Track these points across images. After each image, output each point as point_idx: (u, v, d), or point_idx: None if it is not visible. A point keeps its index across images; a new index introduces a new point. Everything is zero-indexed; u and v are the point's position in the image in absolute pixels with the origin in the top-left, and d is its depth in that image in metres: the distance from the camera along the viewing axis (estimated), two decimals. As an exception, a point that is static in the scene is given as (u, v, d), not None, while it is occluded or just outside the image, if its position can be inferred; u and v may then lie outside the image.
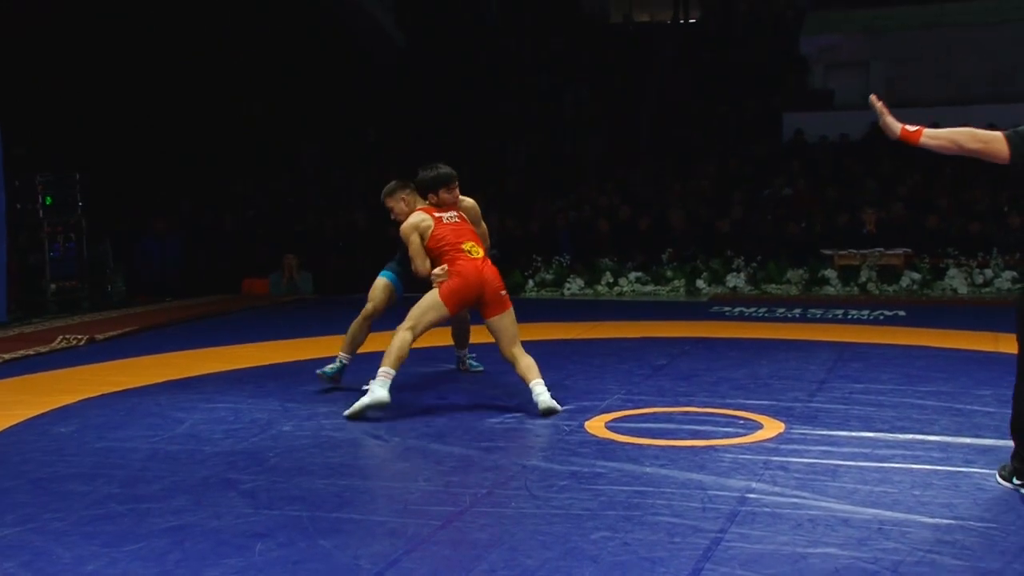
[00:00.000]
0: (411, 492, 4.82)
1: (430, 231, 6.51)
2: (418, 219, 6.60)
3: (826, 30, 19.12)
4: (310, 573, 3.85)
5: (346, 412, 6.30)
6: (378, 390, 6.19)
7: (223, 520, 4.43)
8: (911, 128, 4.73)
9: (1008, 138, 4.63)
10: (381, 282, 7.19)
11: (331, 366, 7.19)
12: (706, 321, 10.48)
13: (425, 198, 6.76)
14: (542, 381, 6.34)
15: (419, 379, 7.40)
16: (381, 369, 6.25)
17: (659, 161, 17.12)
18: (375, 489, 4.84)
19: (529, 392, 6.32)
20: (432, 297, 6.43)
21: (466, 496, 4.70)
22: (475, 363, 7.67)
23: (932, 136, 4.73)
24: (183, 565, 3.94)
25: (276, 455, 5.50)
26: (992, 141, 4.66)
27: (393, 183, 6.98)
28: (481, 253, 6.55)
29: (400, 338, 6.32)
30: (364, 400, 6.23)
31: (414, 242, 6.54)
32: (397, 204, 6.89)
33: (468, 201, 6.92)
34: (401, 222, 6.74)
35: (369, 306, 7.13)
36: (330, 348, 7.92)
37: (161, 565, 3.94)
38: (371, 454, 5.51)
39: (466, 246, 6.49)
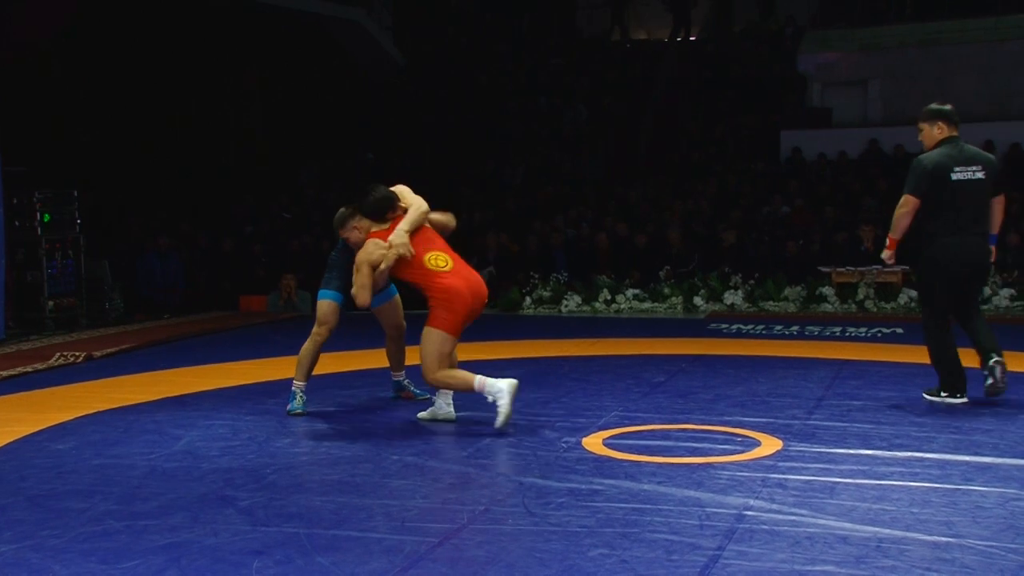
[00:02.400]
0: (408, 509, 4.81)
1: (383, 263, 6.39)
2: (370, 250, 6.43)
3: (824, 48, 19.15)
4: (307, 590, 3.85)
5: (420, 415, 6.80)
6: (444, 408, 6.72)
7: (220, 537, 4.42)
8: (888, 244, 6.91)
9: (909, 193, 6.54)
10: (331, 305, 6.91)
11: (296, 403, 6.97)
12: (704, 338, 10.48)
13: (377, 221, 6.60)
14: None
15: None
16: (440, 391, 6.71)
17: (657, 179, 17.16)
18: (372, 506, 4.83)
19: (485, 399, 6.37)
20: (437, 335, 6.30)
21: (463, 513, 4.69)
22: (417, 389, 7.32)
23: (896, 230, 6.78)
24: (180, 582, 3.94)
25: (274, 472, 5.50)
26: (906, 205, 6.51)
27: (342, 211, 6.74)
28: (448, 263, 6.41)
29: (447, 375, 6.36)
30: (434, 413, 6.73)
31: (364, 274, 6.37)
32: (351, 234, 6.67)
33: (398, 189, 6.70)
34: (358, 249, 6.55)
35: (324, 330, 6.89)
36: (329, 365, 7.93)
37: (158, 582, 3.93)
38: (368, 471, 5.50)
39: (429, 260, 6.38)
